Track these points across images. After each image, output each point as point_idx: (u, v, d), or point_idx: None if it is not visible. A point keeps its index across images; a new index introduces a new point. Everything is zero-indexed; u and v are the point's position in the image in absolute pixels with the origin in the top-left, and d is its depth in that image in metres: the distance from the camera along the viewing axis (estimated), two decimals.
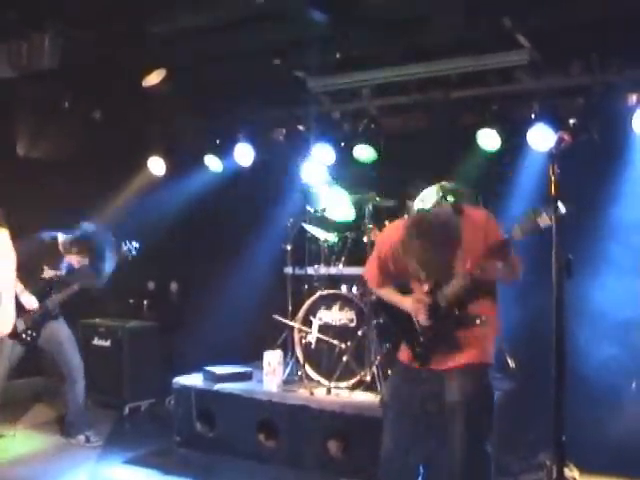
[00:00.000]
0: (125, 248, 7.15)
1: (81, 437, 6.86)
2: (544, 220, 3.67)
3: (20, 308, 6.55)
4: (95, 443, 6.84)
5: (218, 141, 8.69)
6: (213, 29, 6.74)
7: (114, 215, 8.81)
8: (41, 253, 6.81)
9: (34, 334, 6.67)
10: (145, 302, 9.04)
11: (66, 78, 7.40)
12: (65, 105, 8.42)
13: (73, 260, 6.82)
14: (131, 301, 9.11)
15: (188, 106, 8.32)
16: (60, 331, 6.88)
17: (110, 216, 8.94)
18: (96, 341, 8.14)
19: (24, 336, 6.62)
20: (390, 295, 4.50)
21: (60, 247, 6.81)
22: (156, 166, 9.02)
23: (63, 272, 6.84)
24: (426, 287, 4.22)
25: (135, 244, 7.19)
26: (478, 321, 4.12)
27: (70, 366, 6.87)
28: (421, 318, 4.21)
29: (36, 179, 8.33)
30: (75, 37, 6.64)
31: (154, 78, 7.59)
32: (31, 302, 6.63)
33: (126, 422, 7.76)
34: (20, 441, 6.92)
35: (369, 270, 4.64)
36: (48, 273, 6.79)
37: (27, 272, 6.64)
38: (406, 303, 4.33)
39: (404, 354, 4.37)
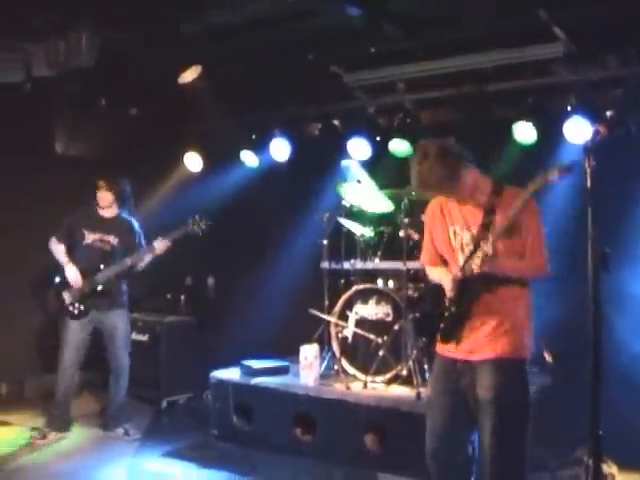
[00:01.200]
0: (192, 225, 7.06)
1: (120, 430, 6.95)
2: (553, 174, 3.70)
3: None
4: (133, 436, 6.92)
5: (254, 136, 8.70)
6: (248, 25, 6.75)
7: (151, 211, 8.89)
8: (79, 219, 6.97)
9: (82, 307, 6.74)
10: (182, 297, 9.09)
11: (103, 76, 7.45)
12: (102, 103, 8.51)
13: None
14: (168, 296, 9.17)
15: (224, 102, 8.35)
16: (118, 322, 6.95)
17: (147, 212, 9.03)
18: (134, 335, 8.18)
19: (71, 309, 6.72)
20: (435, 273, 4.44)
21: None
22: (192, 162, 9.08)
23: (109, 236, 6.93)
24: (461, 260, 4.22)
25: (206, 221, 7.11)
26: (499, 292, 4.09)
27: (118, 361, 6.98)
28: (447, 289, 4.19)
29: (74, 176, 8.43)
30: (111, 36, 6.68)
31: (190, 75, 7.62)
32: (75, 279, 6.73)
33: (164, 416, 7.85)
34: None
35: (422, 250, 4.60)
36: (90, 237, 6.90)
37: (72, 241, 6.91)
38: (444, 278, 4.29)
39: (438, 346, 4.35)
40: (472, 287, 4.08)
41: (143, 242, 7.10)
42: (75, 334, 6.79)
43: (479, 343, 4.11)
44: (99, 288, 6.76)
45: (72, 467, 6.19)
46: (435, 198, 4.46)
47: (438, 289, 4.29)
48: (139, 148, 8.78)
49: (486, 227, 4.04)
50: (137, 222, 7.20)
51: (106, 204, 6.95)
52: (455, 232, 4.25)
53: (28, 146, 8.02)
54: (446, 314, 4.17)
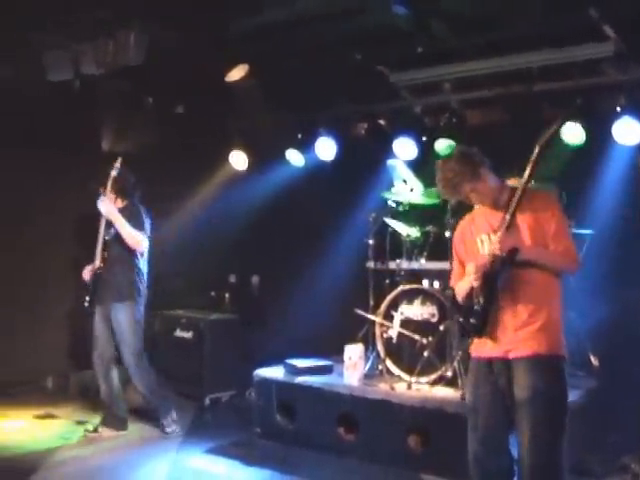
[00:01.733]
0: None
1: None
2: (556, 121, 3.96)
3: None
4: (171, 433, 6.93)
5: (300, 135, 8.71)
6: (295, 23, 6.76)
7: (197, 209, 8.96)
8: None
9: (88, 300, 6.68)
10: (227, 295, 9.14)
11: (150, 74, 7.51)
12: (149, 101, 8.57)
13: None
14: (213, 294, 9.22)
15: (270, 101, 8.37)
16: (120, 316, 6.73)
17: (193, 210, 9.10)
18: (178, 332, 8.28)
19: (83, 302, 6.70)
20: (461, 283, 4.40)
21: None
22: (238, 160, 9.10)
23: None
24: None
25: None
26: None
27: (123, 359, 6.85)
28: (473, 279, 4.14)
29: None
30: (159, 34, 6.74)
31: (237, 73, 7.65)
32: (85, 271, 6.75)
33: (207, 413, 7.88)
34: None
35: (452, 275, 4.60)
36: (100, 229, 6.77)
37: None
38: (467, 278, 4.26)
39: (473, 347, 4.32)
40: (499, 276, 4.06)
41: (146, 230, 6.81)
42: (95, 327, 6.81)
43: (514, 340, 4.08)
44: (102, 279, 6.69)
45: (115, 462, 6.25)
46: (463, 220, 4.52)
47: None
48: (185, 146, 8.83)
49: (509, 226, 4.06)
50: (135, 208, 6.88)
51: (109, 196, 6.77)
52: (482, 241, 4.27)
53: (75, 143, 8.10)
54: (475, 307, 4.15)
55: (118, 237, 6.66)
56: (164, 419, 6.94)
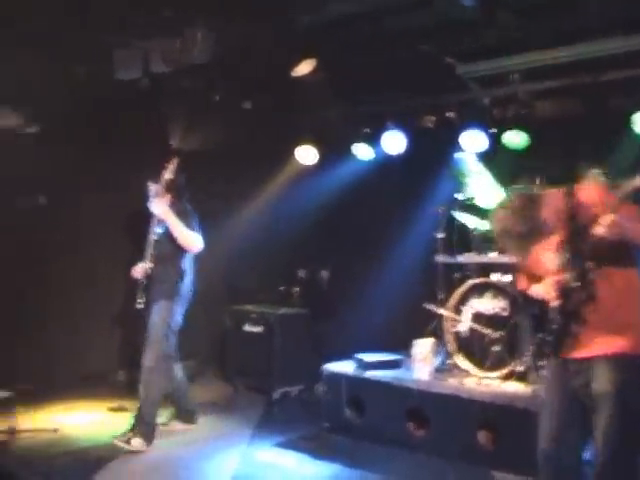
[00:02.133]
0: None
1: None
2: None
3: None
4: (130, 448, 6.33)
5: (367, 129, 8.68)
6: (362, 16, 6.74)
7: (266, 204, 9.00)
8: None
9: (139, 300, 6.56)
10: (296, 290, 9.16)
11: (217, 71, 7.56)
12: (216, 97, 8.64)
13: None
14: (282, 288, 9.25)
15: (337, 95, 8.36)
16: (154, 315, 6.55)
17: (262, 205, 9.14)
18: (247, 327, 8.34)
19: (136, 302, 6.61)
20: (536, 288, 4.35)
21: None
22: (306, 155, 9.10)
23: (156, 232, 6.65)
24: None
25: None
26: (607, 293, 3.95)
27: (142, 359, 6.59)
28: (550, 298, 4.07)
29: (188, 171, 8.59)
30: (226, 31, 6.78)
31: (304, 68, 7.64)
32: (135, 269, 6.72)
33: (276, 407, 7.93)
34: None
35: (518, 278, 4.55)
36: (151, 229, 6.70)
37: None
38: (539, 289, 4.20)
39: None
40: (576, 290, 3.98)
41: (196, 226, 6.69)
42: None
43: (595, 339, 3.98)
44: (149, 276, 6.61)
45: (185, 455, 6.34)
46: None
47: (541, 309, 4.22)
48: (252, 142, 8.87)
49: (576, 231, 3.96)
50: (186, 208, 6.76)
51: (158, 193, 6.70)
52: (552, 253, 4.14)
53: (144, 140, 8.22)
54: (553, 326, 4.07)
55: (166, 237, 6.59)
56: (136, 434, 6.36)
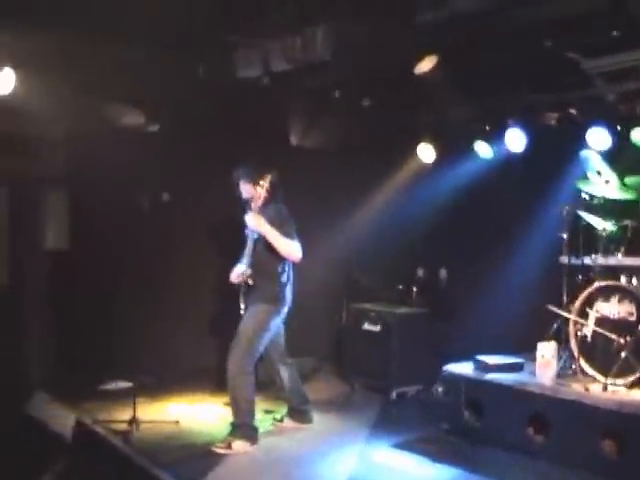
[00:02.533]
0: None
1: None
2: None
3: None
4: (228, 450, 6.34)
5: (487, 127, 8.53)
6: (483, 12, 6.61)
7: (384, 202, 8.96)
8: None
9: (240, 303, 6.59)
10: (414, 289, 9.09)
11: (337, 68, 7.56)
12: (335, 95, 8.64)
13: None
14: (400, 287, 9.20)
15: (458, 92, 8.24)
16: (246, 318, 6.54)
17: (380, 203, 9.11)
18: (366, 326, 8.31)
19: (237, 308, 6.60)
20: None
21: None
22: (425, 153, 9.02)
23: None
24: None
25: None
26: None
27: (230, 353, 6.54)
28: None
29: (308, 168, 8.64)
30: (347, 28, 6.76)
31: (426, 65, 7.55)
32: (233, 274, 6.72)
33: (393, 407, 7.86)
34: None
35: None
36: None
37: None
38: None
39: None
40: None
41: (294, 233, 6.58)
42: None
43: None
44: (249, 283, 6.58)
45: (301, 452, 6.38)
46: None
47: None
48: (372, 139, 8.84)
49: None
50: (281, 212, 6.67)
51: (253, 194, 6.64)
52: None
53: (264, 138, 8.29)
54: None
55: (263, 243, 6.54)
56: (236, 438, 6.36)
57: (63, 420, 6.85)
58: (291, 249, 6.50)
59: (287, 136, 8.93)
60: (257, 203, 6.55)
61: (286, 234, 6.47)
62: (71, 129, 7.55)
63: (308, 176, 8.63)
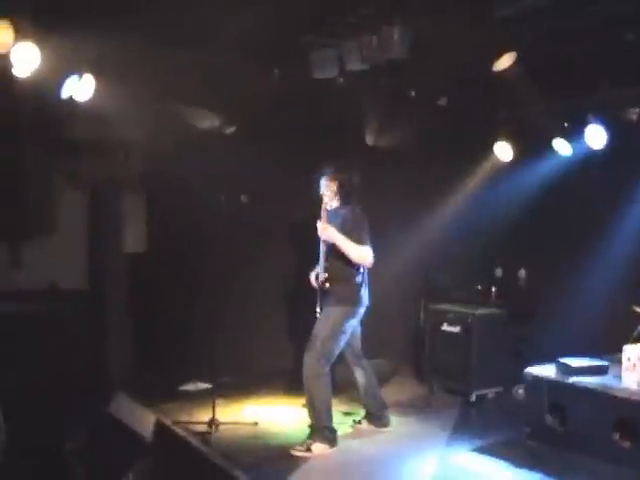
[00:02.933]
0: None
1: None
2: None
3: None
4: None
5: (567, 124, 8.35)
6: (562, 7, 6.47)
7: (462, 202, 8.86)
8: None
9: (317, 304, 6.60)
10: (493, 289, 8.96)
11: (413, 67, 7.49)
12: (411, 94, 8.56)
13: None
14: (479, 287, 9.08)
15: (537, 88, 8.09)
16: (321, 319, 6.56)
17: (457, 203, 9.01)
18: (445, 327, 8.23)
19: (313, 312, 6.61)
20: None
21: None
22: (503, 151, 8.87)
23: None
24: None
25: None
26: None
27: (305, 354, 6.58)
28: None
29: (384, 168, 8.59)
30: (423, 26, 6.69)
31: (505, 62, 7.43)
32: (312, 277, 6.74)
33: (472, 409, 7.79)
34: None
35: None
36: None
37: None
38: None
39: None
40: None
41: (366, 237, 6.52)
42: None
43: None
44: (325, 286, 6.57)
45: (380, 455, 6.36)
46: None
47: None
48: (448, 139, 8.75)
49: None
50: (355, 214, 6.64)
51: (327, 193, 6.69)
52: None
53: (340, 138, 8.28)
54: None
55: (336, 248, 6.52)
56: (316, 440, 6.42)
57: (144, 421, 6.97)
58: (362, 255, 6.49)
59: (362, 136, 8.87)
60: (332, 202, 6.63)
61: (357, 240, 6.45)
62: (149, 133, 7.64)
63: (384, 176, 8.59)
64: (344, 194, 6.73)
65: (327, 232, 6.49)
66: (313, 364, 6.43)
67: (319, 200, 6.70)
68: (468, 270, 9.14)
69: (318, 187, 6.76)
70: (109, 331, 8.24)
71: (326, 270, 6.58)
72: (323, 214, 6.59)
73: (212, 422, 6.82)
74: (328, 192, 6.70)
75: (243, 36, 6.46)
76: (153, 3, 5.88)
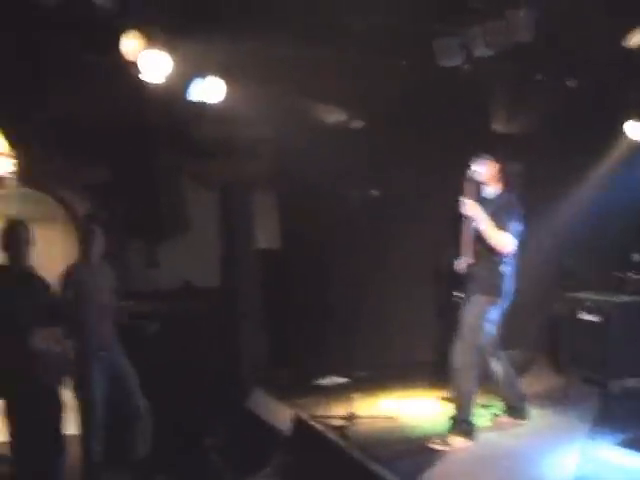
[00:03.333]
0: None
1: None
2: None
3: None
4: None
5: None
6: None
7: (594, 186, 8.61)
8: None
9: (457, 296, 6.57)
10: (630, 275, 8.66)
11: (539, 49, 7.31)
12: (538, 77, 8.37)
13: None
14: (616, 274, 8.80)
15: None
16: (467, 309, 6.48)
17: (590, 187, 8.77)
18: (583, 315, 8.02)
19: (456, 297, 6.58)
20: None
21: None
22: (635, 130, 8.55)
23: None
24: None
25: None
26: None
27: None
28: None
29: (513, 154, 8.40)
30: (548, 6, 6.52)
31: (638, 37, 7.16)
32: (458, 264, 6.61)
33: (612, 401, 7.52)
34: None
35: None
36: None
37: None
38: None
39: None
40: None
41: (510, 225, 6.34)
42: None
43: None
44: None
45: (520, 448, 6.23)
46: None
47: None
48: (577, 121, 8.50)
49: None
50: (511, 202, 6.51)
51: (484, 179, 6.53)
52: None
53: (468, 126, 8.20)
54: None
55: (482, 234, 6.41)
56: (455, 434, 6.35)
57: (281, 416, 7.05)
58: (501, 241, 6.33)
59: (489, 123, 8.72)
60: (488, 187, 6.51)
61: (502, 224, 6.30)
62: (279, 131, 7.72)
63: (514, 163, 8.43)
64: (504, 180, 6.59)
65: (473, 208, 6.37)
66: (463, 355, 6.37)
67: (465, 181, 6.54)
68: (602, 256, 8.87)
69: (469, 170, 6.55)
70: (243, 327, 8.36)
71: (472, 256, 6.49)
72: (470, 193, 6.45)
73: (350, 416, 6.84)
74: (484, 176, 6.54)
75: (370, 30, 6.45)
76: (280, 4, 5.93)
